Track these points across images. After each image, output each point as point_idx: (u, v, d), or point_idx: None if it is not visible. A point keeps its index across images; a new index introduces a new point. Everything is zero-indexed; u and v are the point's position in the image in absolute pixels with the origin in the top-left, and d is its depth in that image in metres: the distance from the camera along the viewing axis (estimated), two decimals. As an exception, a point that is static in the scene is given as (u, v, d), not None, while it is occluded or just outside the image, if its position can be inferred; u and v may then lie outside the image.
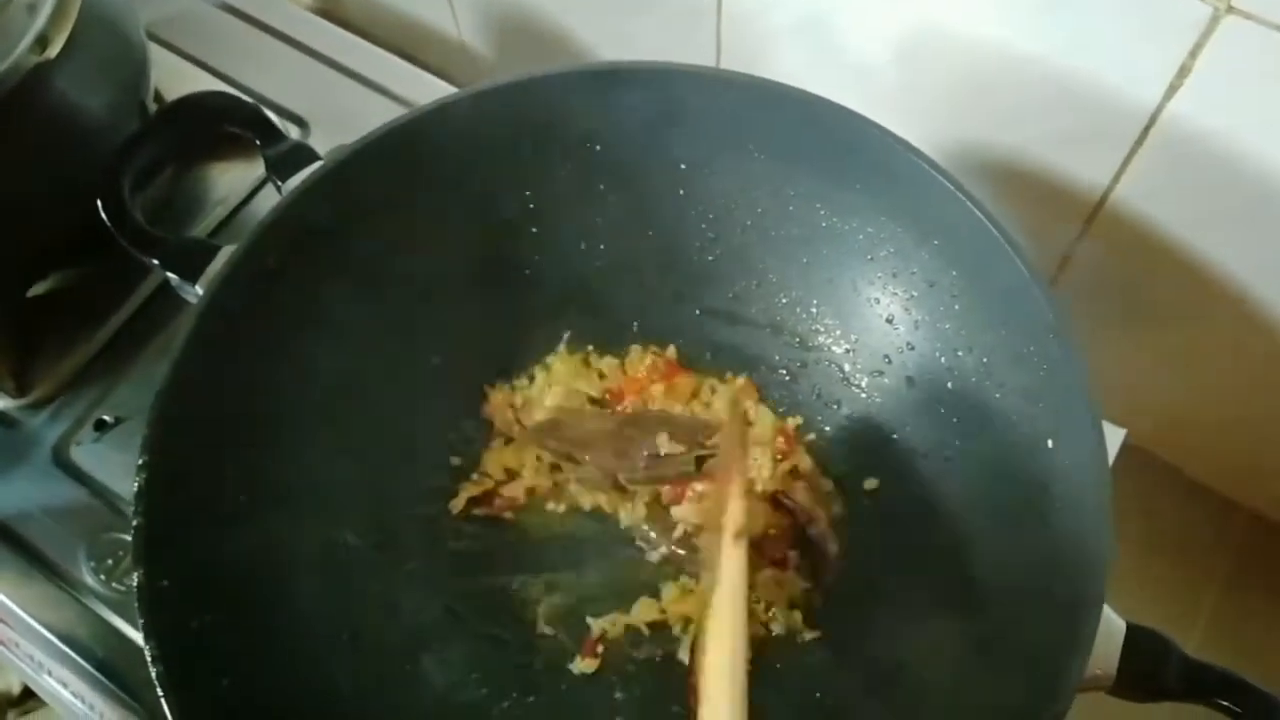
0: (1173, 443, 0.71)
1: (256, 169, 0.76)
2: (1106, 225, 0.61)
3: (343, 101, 0.80)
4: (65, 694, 0.66)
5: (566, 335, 0.64)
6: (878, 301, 0.59)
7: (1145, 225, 0.59)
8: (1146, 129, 0.54)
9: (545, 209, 0.61)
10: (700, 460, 0.58)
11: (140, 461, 0.48)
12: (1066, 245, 0.64)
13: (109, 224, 0.58)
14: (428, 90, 0.81)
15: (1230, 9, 0.47)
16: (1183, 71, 0.51)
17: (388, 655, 0.54)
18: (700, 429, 0.60)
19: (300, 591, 0.53)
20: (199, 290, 0.55)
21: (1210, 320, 0.61)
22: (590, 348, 0.64)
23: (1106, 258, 0.63)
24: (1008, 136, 0.61)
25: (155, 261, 0.57)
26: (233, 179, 0.76)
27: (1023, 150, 0.61)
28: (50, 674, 0.66)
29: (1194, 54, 0.50)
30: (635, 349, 0.64)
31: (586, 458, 0.60)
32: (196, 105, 0.63)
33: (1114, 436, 0.61)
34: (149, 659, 0.44)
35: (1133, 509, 0.60)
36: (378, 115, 0.57)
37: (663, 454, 0.59)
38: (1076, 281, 0.66)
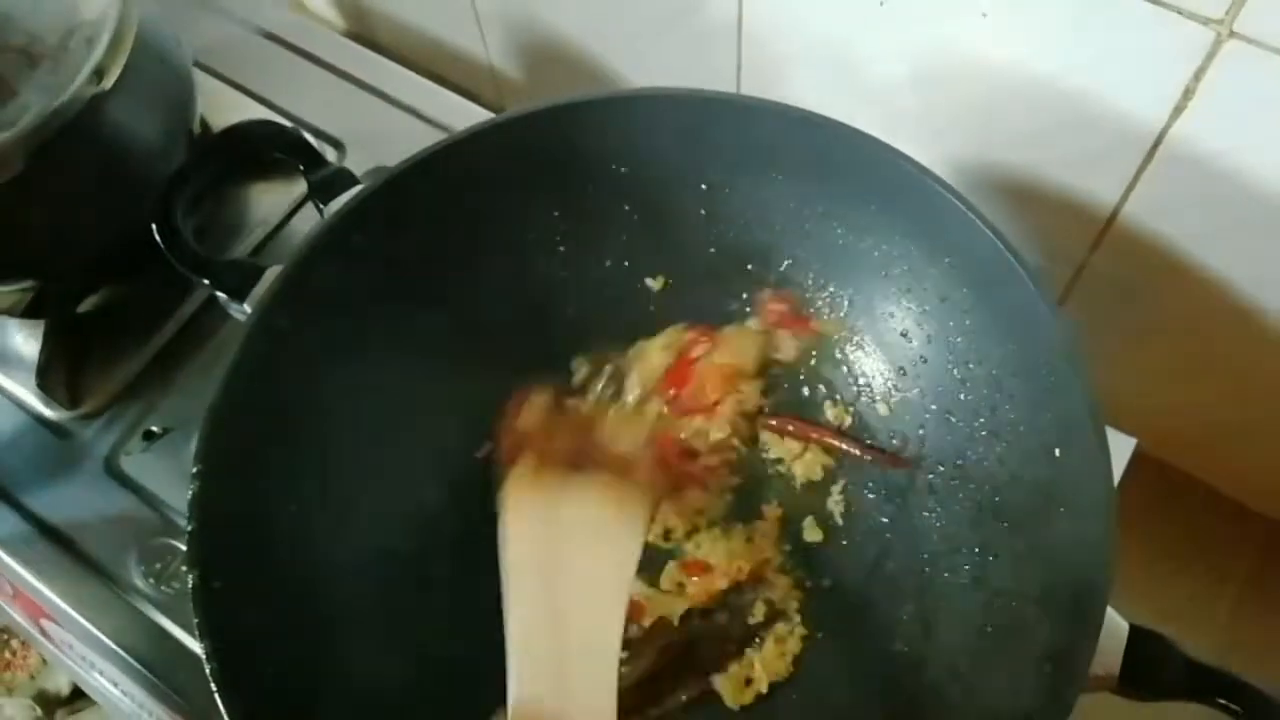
0: (1186, 451, 0.71)
1: (294, 190, 0.79)
2: (1117, 240, 0.62)
3: (377, 123, 0.83)
4: (115, 692, 0.68)
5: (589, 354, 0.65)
6: (892, 316, 0.60)
7: (1153, 240, 0.60)
8: (1153, 149, 0.56)
9: (572, 229, 0.63)
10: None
11: (194, 470, 0.50)
12: (1079, 259, 0.65)
13: (164, 249, 0.60)
14: (457, 111, 0.83)
15: (1232, 34, 0.48)
16: (1187, 94, 0.52)
17: (431, 655, 0.56)
18: None
19: (345, 592, 0.55)
20: (247, 309, 0.57)
21: (1216, 330, 0.62)
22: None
23: (1118, 271, 0.64)
24: (1020, 156, 0.62)
25: (206, 281, 0.59)
26: (272, 200, 0.79)
27: (1035, 169, 0.62)
28: (101, 673, 0.69)
29: (1197, 77, 0.51)
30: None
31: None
32: (245, 134, 0.66)
33: (1126, 445, 0.61)
34: (204, 656, 0.46)
35: (1147, 517, 0.61)
36: (410, 136, 0.60)
37: None
38: (1090, 293, 0.67)
